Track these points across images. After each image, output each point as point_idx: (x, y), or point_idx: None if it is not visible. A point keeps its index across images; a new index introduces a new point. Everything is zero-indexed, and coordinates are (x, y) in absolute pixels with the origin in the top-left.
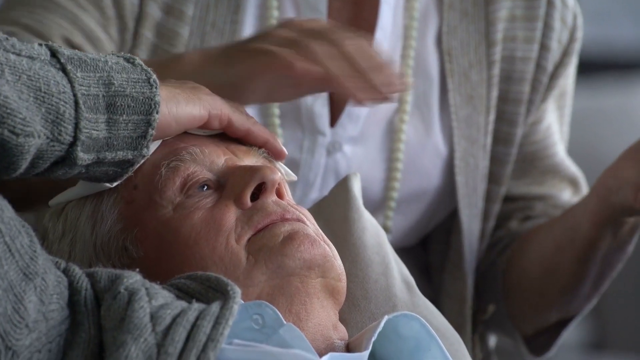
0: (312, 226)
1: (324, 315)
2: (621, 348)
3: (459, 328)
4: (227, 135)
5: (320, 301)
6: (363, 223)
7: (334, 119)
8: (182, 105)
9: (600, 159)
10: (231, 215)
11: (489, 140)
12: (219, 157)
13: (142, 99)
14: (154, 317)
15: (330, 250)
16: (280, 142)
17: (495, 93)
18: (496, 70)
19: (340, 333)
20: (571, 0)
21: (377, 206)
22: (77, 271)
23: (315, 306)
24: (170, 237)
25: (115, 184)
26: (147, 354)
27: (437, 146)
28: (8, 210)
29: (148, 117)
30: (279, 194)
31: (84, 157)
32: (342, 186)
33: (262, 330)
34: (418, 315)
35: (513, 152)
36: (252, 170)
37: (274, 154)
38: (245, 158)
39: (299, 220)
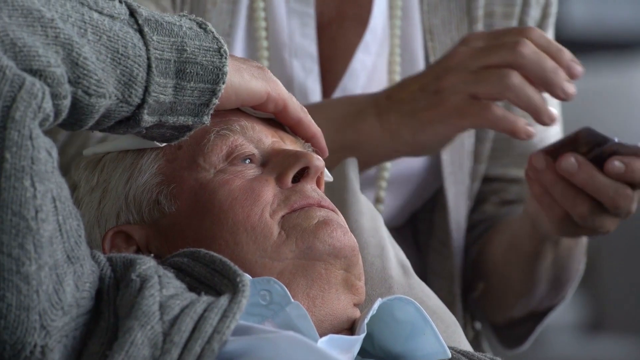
0: (344, 221)
1: (339, 307)
2: (617, 329)
3: (449, 307)
4: (276, 123)
5: (337, 294)
6: (359, 207)
7: (326, 96)
8: (246, 80)
9: None
10: (270, 190)
11: None
12: (267, 137)
13: (211, 68)
14: (162, 306)
15: (358, 246)
16: (324, 141)
17: None
18: None
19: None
20: None
21: (368, 186)
22: (102, 258)
23: (332, 296)
24: (206, 198)
25: (164, 144)
26: (153, 342)
27: None
28: (65, 190)
29: (214, 87)
30: (318, 184)
31: (148, 119)
32: (339, 170)
33: (268, 307)
34: (412, 300)
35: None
36: (298, 153)
37: (318, 151)
38: (291, 146)
39: (334, 210)
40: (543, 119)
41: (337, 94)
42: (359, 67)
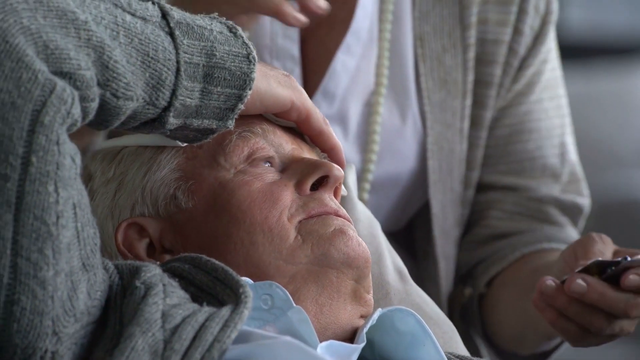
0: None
1: (344, 317)
2: None
3: None
4: (295, 132)
5: (345, 303)
6: (356, 215)
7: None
8: (272, 87)
9: (594, 145)
10: (289, 195)
11: (466, 124)
12: (287, 144)
13: (239, 74)
14: (165, 315)
15: (371, 259)
16: (343, 154)
17: (471, 77)
18: (471, 54)
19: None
20: None
21: None
22: (110, 265)
23: (340, 306)
24: (225, 197)
25: (186, 144)
26: (154, 349)
27: (413, 130)
28: (85, 197)
29: (240, 92)
30: (335, 194)
31: (173, 121)
32: None
33: (270, 311)
34: (413, 311)
35: (483, 135)
36: (318, 162)
37: (336, 163)
38: (309, 155)
39: (349, 221)
40: (310, 5)
41: (318, 95)
42: (340, 68)
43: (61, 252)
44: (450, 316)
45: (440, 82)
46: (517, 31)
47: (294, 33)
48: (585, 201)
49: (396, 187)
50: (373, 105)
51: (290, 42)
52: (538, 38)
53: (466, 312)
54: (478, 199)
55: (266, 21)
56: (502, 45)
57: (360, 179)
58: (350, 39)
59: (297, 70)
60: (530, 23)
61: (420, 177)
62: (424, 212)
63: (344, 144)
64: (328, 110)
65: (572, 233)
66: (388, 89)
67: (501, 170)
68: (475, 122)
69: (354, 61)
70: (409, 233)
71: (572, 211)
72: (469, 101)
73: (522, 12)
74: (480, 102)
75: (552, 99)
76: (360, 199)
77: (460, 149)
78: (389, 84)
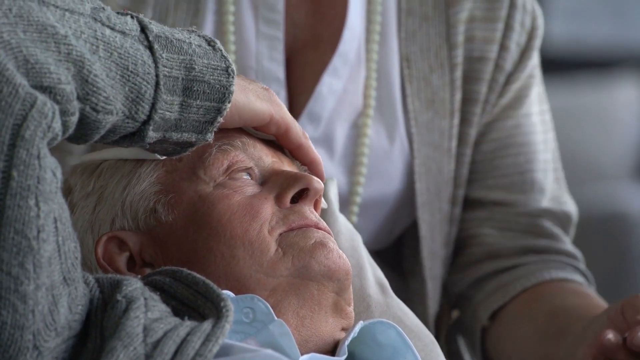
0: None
1: (326, 330)
2: None
3: None
4: (275, 145)
5: (326, 316)
6: (338, 227)
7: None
8: (251, 101)
9: (576, 157)
10: (269, 207)
11: (454, 143)
12: (267, 157)
13: (218, 87)
14: (146, 329)
15: (351, 271)
16: (323, 168)
17: (458, 96)
18: (459, 73)
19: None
20: (530, 4)
21: (340, 209)
22: (91, 279)
23: (321, 318)
24: (205, 210)
25: (165, 157)
26: None
27: (400, 151)
28: (66, 211)
29: (219, 105)
30: (315, 207)
31: (152, 135)
32: None
33: (251, 324)
34: (394, 324)
35: (468, 152)
36: (298, 175)
37: (316, 176)
38: (289, 168)
39: (330, 234)
40: None
41: (304, 117)
42: (326, 90)
43: (42, 266)
44: (437, 337)
45: (427, 102)
46: (503, 47)
47: (279, 55)
48: (572, 208)
49: (383, 209)
50: (360, 127)
51: (275, 65)
52: (525, 53)
53: (454, 334)
54: (466, 216)
55: (252, 42)
56: (489, 63)
57: (348, 202)
58: (337, 61)
59: (283, 92)
60: (517, 39)
61: (407, 198)
62: (411, 231)
63: (330, 166)
64: (314, 132)
65: (569, 246)
66: (375, 110)
67: (489, 185)
68: (460, 140)
69: (341, 83)
70: (396, 251)
71: (562, 220)
72: (456, 120)
73: (508, 28)
74: (465, 120)
75: (539, 113)
76: (349, 220)
77: (448, 169)
78: (376, 106)
